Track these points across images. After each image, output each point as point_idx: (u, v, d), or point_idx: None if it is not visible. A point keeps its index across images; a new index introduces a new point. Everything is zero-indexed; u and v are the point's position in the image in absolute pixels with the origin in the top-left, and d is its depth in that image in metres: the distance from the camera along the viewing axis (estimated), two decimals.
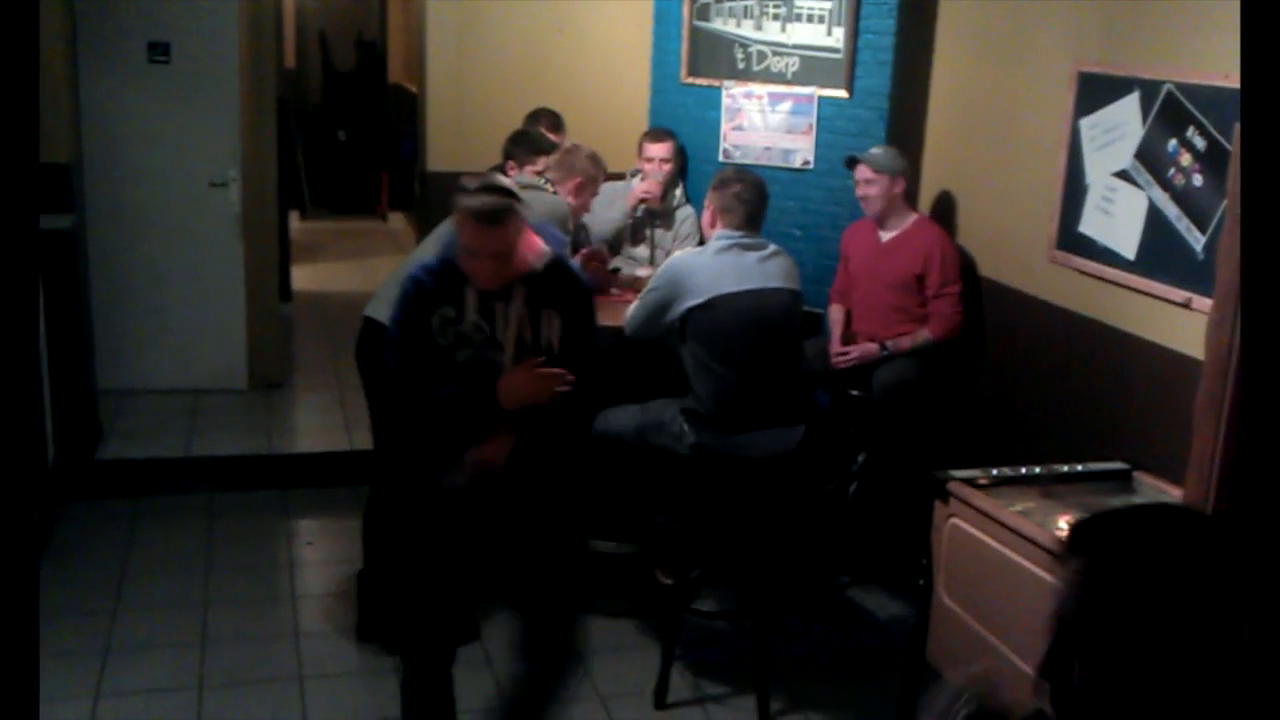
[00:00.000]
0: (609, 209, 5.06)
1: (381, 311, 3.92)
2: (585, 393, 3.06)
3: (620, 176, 5.26)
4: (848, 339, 4.78)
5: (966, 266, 4.75)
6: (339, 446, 5.61)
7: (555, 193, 4.34)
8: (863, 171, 4.65)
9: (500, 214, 2.83)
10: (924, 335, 4.62)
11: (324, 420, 6.03)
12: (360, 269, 9.30)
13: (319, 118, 11.82)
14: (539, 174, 4.44)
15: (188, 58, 5.88)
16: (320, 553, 4.87)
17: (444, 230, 3.61)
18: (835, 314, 4.86)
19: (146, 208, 5.97)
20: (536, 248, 2.97)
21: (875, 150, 4.69)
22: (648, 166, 5.10)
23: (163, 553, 4.76)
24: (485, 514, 2.96)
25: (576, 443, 3.15)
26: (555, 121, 4.97)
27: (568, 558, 3.17)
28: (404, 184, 10.72)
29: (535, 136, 4.65)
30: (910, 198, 4.87)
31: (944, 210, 4.99)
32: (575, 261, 4.25)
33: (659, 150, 5.09)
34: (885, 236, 4.73)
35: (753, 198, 3.99)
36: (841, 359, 4.67)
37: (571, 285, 3.01)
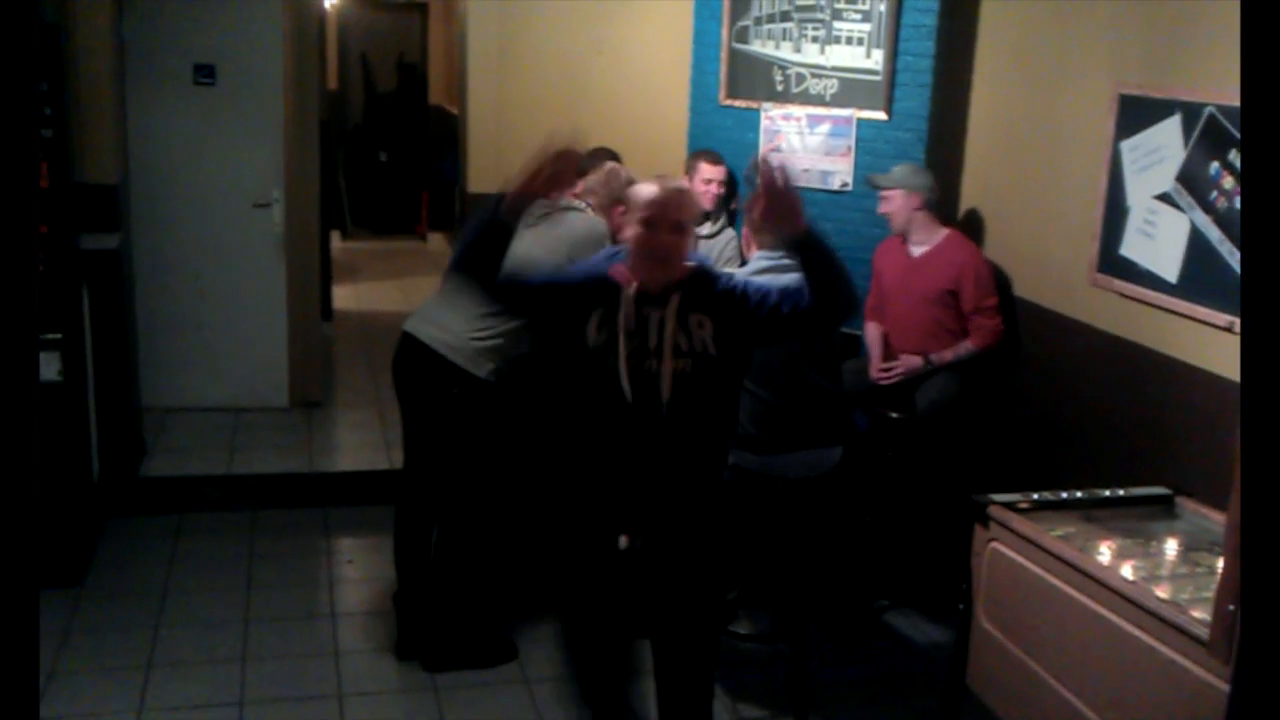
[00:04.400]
0: None
1: (421, 328, 3.95)
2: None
3: None
4: (887, 356, 4.78)
5: (1002, 284, 4.73)
6: (379, 465, 5.65)
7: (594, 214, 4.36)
8: (885, 189, 4.71)
9: (685, 190, 2.92)
10: (966, 346, 4.61)
11: (364, 439, 6.07)
12: (400, 289, 9.37)
13: (360, 139, 11.94)
14: (577, 196, 4.46)
15: (233, 80, 5.97)
16: (360, 570, 4.90)
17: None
18: (872, 331, 4.86)
19: (191, 228, 6.05)
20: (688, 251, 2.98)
21: (894, 168, 4.71)
22: (702, 188, 5.11)
23: (205, 569, 4.80)
24: (629, 508, 2.93)
25: (720, 466, 3.08)
26: (610, 156, 4.99)
27: (713, 601, 3.15)
28: (444, 205, 10.80)
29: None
30: (949, 218, 4.87)
31: (983, 232, 4.98)
32: None
33: (717, 173, 5.11)
34: (915, 252, 4.73)
35: None
36: (885, 375, 4.65)
37: (721, 288, 2.93)
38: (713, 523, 3.03)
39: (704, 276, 2.93)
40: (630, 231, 2.87)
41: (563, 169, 2.88)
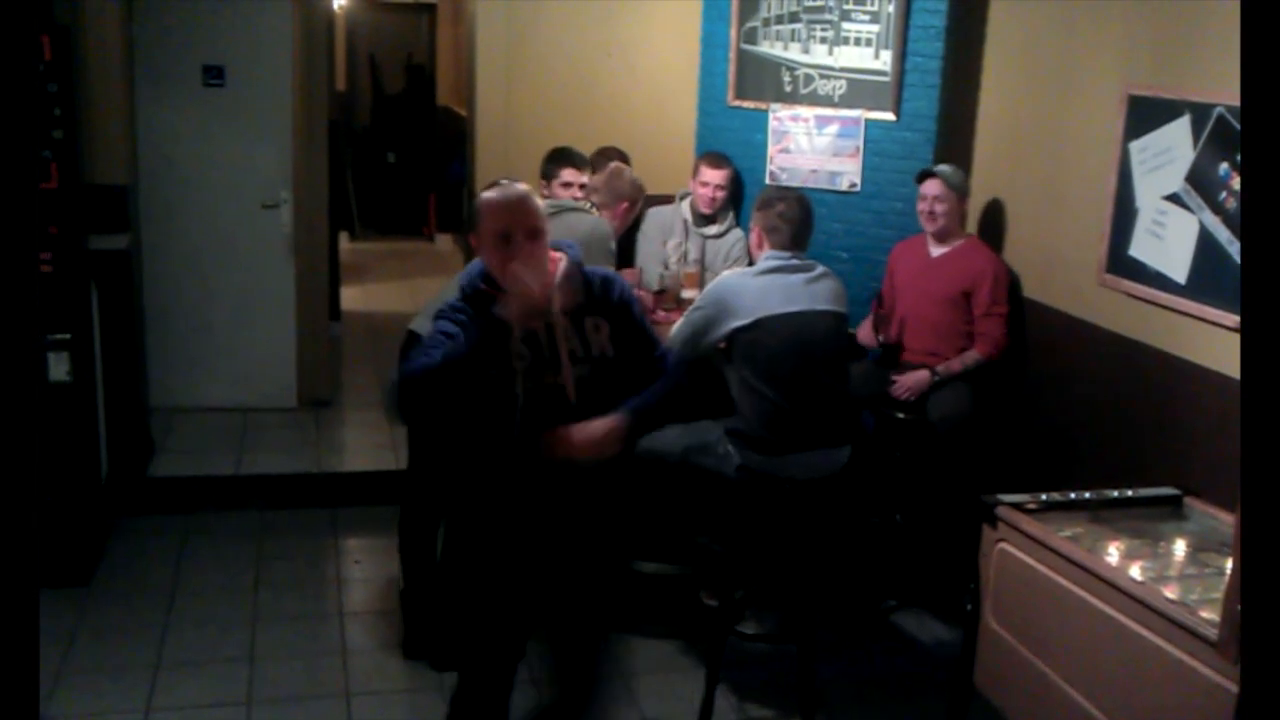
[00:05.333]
0: (660, 246, 5.08)
1: (424, 326, 3.96)
2: (681, 395, 2.94)
3: (669, 199, 5.28)
4: (891, 359, 4.77)
5: (1014, 290, 4.73)
6: (386, 465, 5.65)
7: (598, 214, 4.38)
8: (935, 187, 4.65)
9: (526, 194, 2.73)
10: (972, 356, 4.61)
11: (371, 439, 6.08)
12: (408, 289, 9.38)
13: (368, 140, 11.96)
14: (581, 186, 4.46)
15: (242, 81, 5.98)
16: (367, 570, 4.91)
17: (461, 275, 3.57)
18: (866, 327, 4.80)
19: (200, 228, 6.06)
20: (555, 257, 2.80)
21: (946, 168, 4.70)
22: (701, 190, 5.10)
23: (213, 569, 4.81)
24: (536, 526, 2.92)
25: (627, 458, 3.05)
26: (620, 157, 4.99)
27: (607, 577, 3.12)
28: (452, 206, 10.82)
29: (563, 148, 4.61)
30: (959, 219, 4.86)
31: (992, 232, 4.98)
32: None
33: (716, 176, 5.09)
34: (935, 252, 4.72)
35: (797, 216, 4.00)
36: (899, 392, 4.63)
37: (606, 287, 2.84)
38: (615, 519, 3.02)
39: (592, 279, 2.82)
40: (486, 250, 2.70)
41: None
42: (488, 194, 2.75)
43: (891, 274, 4.88)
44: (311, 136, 6.15)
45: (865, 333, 4.77)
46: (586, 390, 2.74)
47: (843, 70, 5.08)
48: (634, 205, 4.61)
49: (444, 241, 11.48)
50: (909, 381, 4.60)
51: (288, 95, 6.04)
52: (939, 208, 4.64)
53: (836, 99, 5.11)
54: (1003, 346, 4.60)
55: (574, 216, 4.07)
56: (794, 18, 5.15)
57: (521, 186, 2.79)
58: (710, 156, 5.15)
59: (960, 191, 4.67)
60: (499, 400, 2.73)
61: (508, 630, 3.00)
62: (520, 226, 2.67)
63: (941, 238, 4.71)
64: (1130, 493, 3.56)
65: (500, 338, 2.67)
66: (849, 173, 5.13)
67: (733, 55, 5.30)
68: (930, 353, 4.66)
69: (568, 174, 4.45)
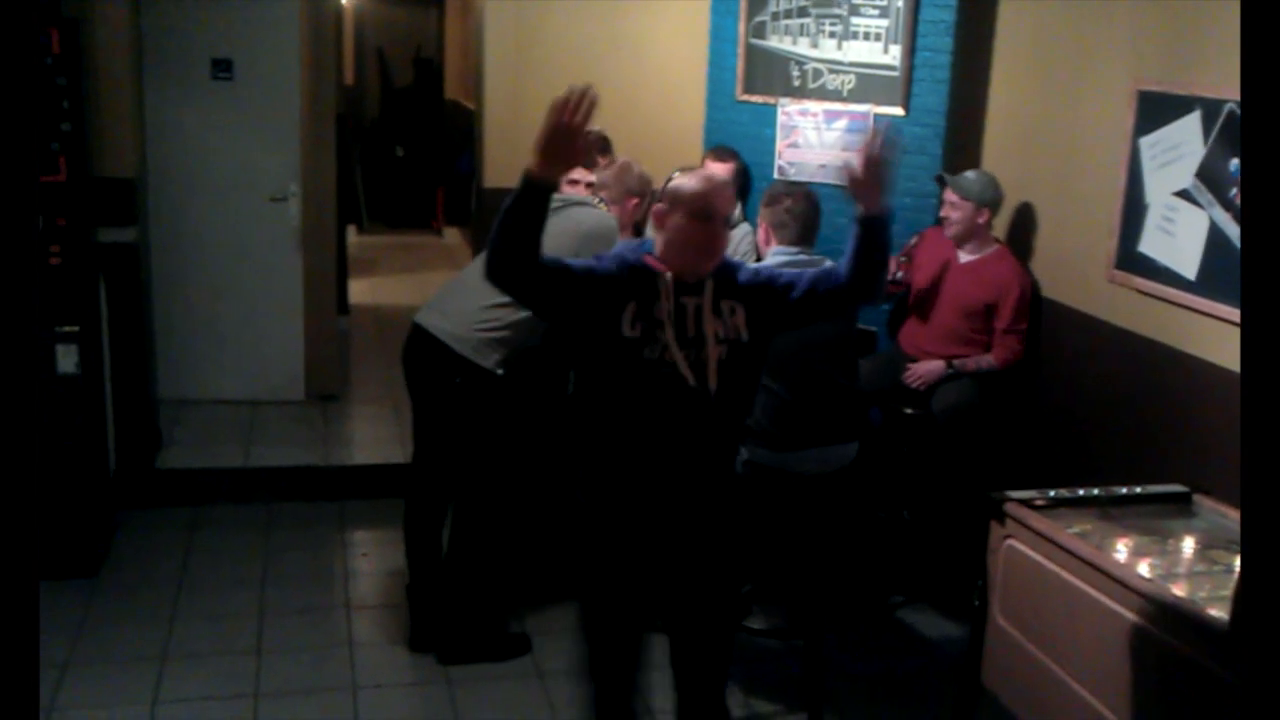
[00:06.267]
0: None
1: (428, 319, 3.96)
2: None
3: None
4: (901, 355, 4.76)
5: (1035, 301, 4.69)
6: (394, 458, 5.66)
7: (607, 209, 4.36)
8: (947, 194, 4.63)
9: (730, 184, 2.96)
10: (988, 360, 4.59)
11: (379, 432, 6.09)
12: (416, 283, 9.38)
13: (377, 134, 11.96)
14: (589, 186, 4.45)
15: (250, 75, 5.98)
16: (375, 563, 4.91)
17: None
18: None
19: (208, 222, 6.07)
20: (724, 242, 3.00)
21: (969, 175, 4.65)
22: None
23: (220, 561, 4.82)
24: (660, 501, 2.91)
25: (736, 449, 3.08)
26: (604, 145, 4.97)
27: (733, 594, 3.15)
28: (460, 199, 10.82)
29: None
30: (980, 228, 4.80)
31: (1002, 228, 4.96)
32: None
33: (722, 170, 5.08)
34: (963, 259, 4.69)
35: (804, 211, 3.98)
36: (911, 380, 4.61)
37: (746, 277, 2.96)
38: (734, 512, 3.03)
39: (728, 265, 2.95)
40: (674, 221, 2.86)
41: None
42: (689, 176, 2.94)
43: (916, 264, 4.81)
44: (319, 130, 6.16)
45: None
46: (725, 371, 2.82)
47: (852, 65, 5.07)
48: (643, 200, 4.59)
49: (452, 235, 11.48)
50: (921, 370, 4.60)
51: (296, 89, 6.04)
52: (953, 214, 4.62)
53: (845, 94, 5.10)
54: (1018, 356, 4.60)
55: (580, 211, 4.05)
56: (803, 12, 5.13)
57: (722, 176, 3.03)
58: (716, 151, 5.15)
59: (977, 201, 4.58)
60: (623, 365, 2.81)
61: (633, 606, 3.00)
62: (719, 212, 2.86)
63: (962, 243, 4.68)
64: (1139, 489, 3.55)
65: (646, 291, 2.82)
66: None
67: (741, 49, 5.29)
68: (943, 356, 4.64)
69: (575, 171, 4.43)
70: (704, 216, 2.83)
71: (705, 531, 2.96)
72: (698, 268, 2.85)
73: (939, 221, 4.73)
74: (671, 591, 3.00)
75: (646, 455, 2.86)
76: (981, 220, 4.61)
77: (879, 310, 5.03)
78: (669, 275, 2.83)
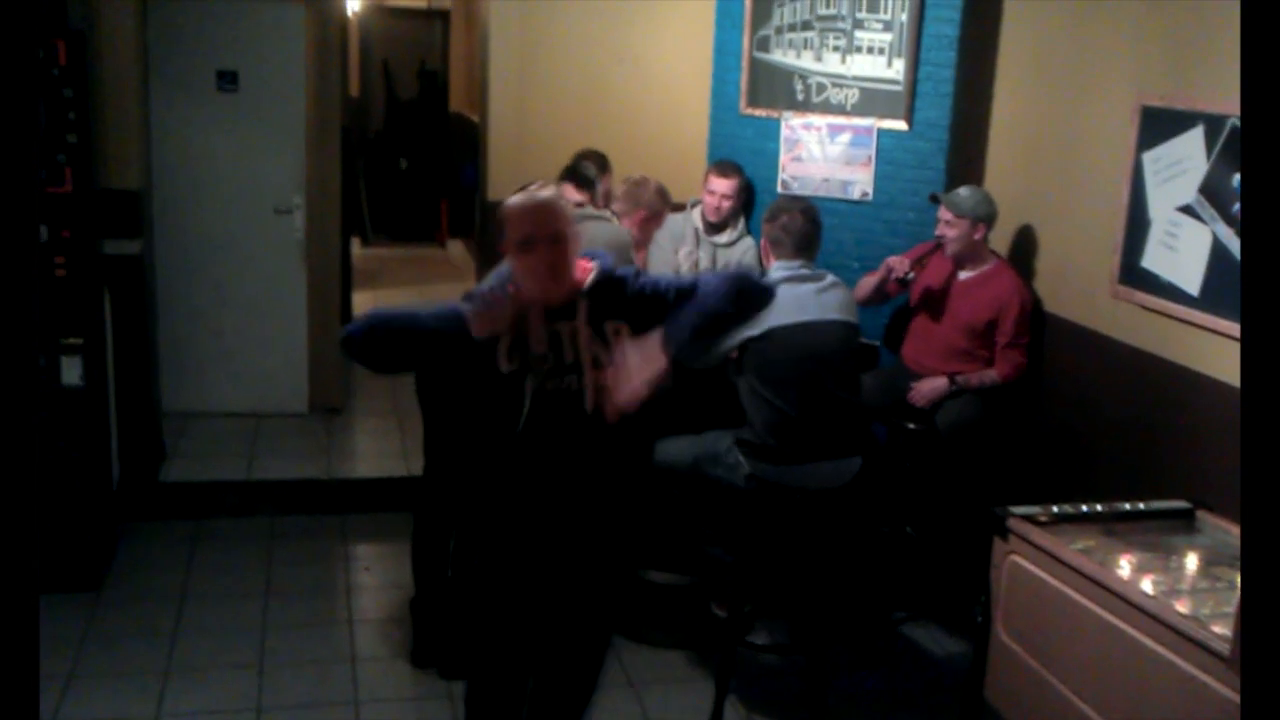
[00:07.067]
0: (672, 254, 5.07)
1: None
2: (722, 319, 2.91)
3: (681, 207, 5.28)
4: (904, 371, 4.76)
5: (1036, 315, 4.68)
6: (397, 472, 5.66)
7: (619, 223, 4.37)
8: (943, 212, 4.62)
9: (550, 200, 2.78)
10: (991, 375, 4.58)
11: (382, 446, 6.09)
12: (420, 295, 9.38)
13: (381, 146, 11.98)
14: (604, 205, 4.46)
15: (255, 86, 6.00)
16: (377, 577, 4.91)
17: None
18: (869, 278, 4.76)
19: (212, 233, 6.08)
20: (586, 266, 2.86)
21: (962, 192, 4.64)
22: (708, 199, 5.11)
23: (223, 575, 4.82)
24: (545, 532, 2.90)
25: (646, 465, 3.05)
26: (601, 163, 4.97)
27: (617, 587, 3.11)
28: (464, 212, 10.84)
29: (581, 171, 4.62)
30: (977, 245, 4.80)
31: (1004, 243, 4.96)
32: None
33: (722, 186, 5.08)
34: (962, 276, 4.68)
35: (800, 227, 3.99)
36: (915, 399, 4.60)
37: (631, 289, 2.86)
38: (625, 541, 3.01)
39: (612, 280, 2.85)
40: (509, 253, 2.76)
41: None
42: (513, 199, 2.81)
43: (930, 257, 4.74)
44: (324, 142, 6.17)
45: (898, 260, 4.65)
46: (607, 396, 2.73)
47: (855, 79, 5.08)
48: (656, 216, 4.59)
49: (456, 247, 11.49)
50: (925, 388, 4.59)
51: (301, 101, 6.06)
52: (950, 232, 4.60)
53: (849, 107, 5.11)
54: (1021, 370, 4.59)
55: (595, 226, 4.07)
56: (807, 26, 5.14)
57: (548, 192, 2.84)
58: (719, 165, 5.15)
59: (972, 217, 4.56)
60: (506, 400, 2.76)
61: (518, 639, 3.00)
62: (542, 233, 2.72)
63: (962, 261, 4.67)
64: (1142, 505, 3.55)
65: (520, 327, 2.73)
66: (861, 182, 5.12)
67: (745, 63, 5.29)
68: (947, 373, 4.63)
69: (566, 190, 4.43)
70: (528, 245, 2.72)
71: (590, 558, 2.93)
72: (550, 294, 2.74)
73: (938, 242, 4.70)
74: (554, 616, 2.98)
75: (538, 481, 2.84)
76: (978, 236, 4.60)
77: (877, 324, 5.02)
78: (534, 305, 2.74)
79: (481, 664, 3.05)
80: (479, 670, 3.06)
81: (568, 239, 2.76)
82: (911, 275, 4.64)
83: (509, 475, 2.86)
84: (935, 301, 4.72)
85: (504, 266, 2.96)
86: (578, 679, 3.09)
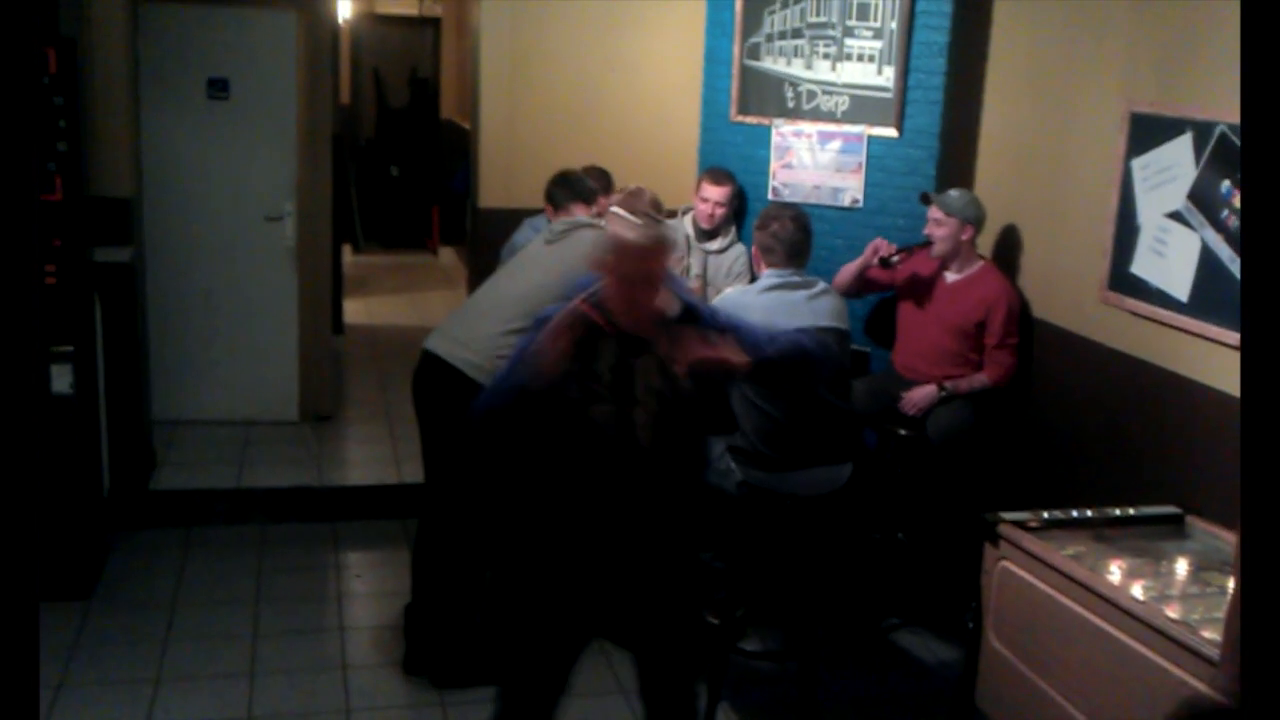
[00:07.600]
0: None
1: (443, 346, 3.93)
2: (804, 363, 2.95)
3: (672, 214, 5.29)
4: (895, 377, 4.77)
5: (1024, 316, 4.69)
6: (388, 479, 5.66)
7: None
8: (933, 211, 4.64)
9: (671, 239, 2.74)
10: (981, 379, 4.60)
11: (374, 453, 6.08)
12: (411, 303, 9.39)
13: (372, 153, 11.99)
14: (600, 213, 4.45)
15: (246, 94, 6.00)
16: (368, 585, 4.90)
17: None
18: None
19: (203, 241, 6.07)
20: (667, 296, 2.83)
21: (952, 193, 4.66)
22: (701, 206, 5.11)
23: (213, 583, 4.81)
24: (595, 551, 2.90)
25: (699, 487, 3.05)
26: (606, 182, 4.96)
27: (691, 605, 3.12)
28: (455, 219, 10.84)
29: (575, 182, 4.57)
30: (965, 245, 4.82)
31: (994, 250, 4.98)
32: None
33: (715, 193, 5.09)
34: (949, 278, 4.70)
35: (789, 235, 4.00)
36: (906, 408, 4.61)
37: (707, 324, 2.82)
38: (687, 540, 3.01)
39: (693, 317, 2.83)
40: (609, 281, 2.71)
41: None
42: (632, 232, 2.69)
43: (917, 250, 4.77)
44: (315, 149, 6.17)
45: (884, 242, 4.71)
46: (662, 428, 2.75)
47: (845, 86, 5.09)
48: None
49: (447, 255, 11.49)
50: (916, 396, 4.60)
51: (292, 108, 6.06)
52: (939, 232, 4.62)
53: (839, 115, 5.12)
54: (1011, 373, 4.60)
55: (589, 233, 4.05)
56: (797, 34, 5.16)
57: (663, 229, 2.75)
58: (712, 173, 5.16)
59: (961, 217, 4.58)
60: (570, 422, 2.76)
61: (557, 653, 2.99)
62: (660, 274, 2.69)
63: (949, 262, 4.69)
64: (1132, 511, 3.56)
65: (589, 347, 2.73)
66: (851, 189, 5.13)
67: (736, 71, 5.31)
68: (937, 377, 4.64)
69: (578, 210, 4.40)
70: (642, 281, 2.68)
71: (653, 564, 2.94)
72: (642, 328, 2.73)
73: (926, 240, 4.72)
74: (631, 621, 2.99)
75: (585, 505, 2.85)
76: (966, 237, 4.62)
77: (857, 316, 5.00)
78: (612, 336, 2.73)
79: (523, 679, 3.03)
80: (519, 685, 3.04)
81: (661, 284, 2.74)
82: (896, 259, 4.66)
83: (563, 499, 2.86)
84: (923, 304, 4.74)
85: (580, 277, 2.88)
86: (677, 663, 3.07)
